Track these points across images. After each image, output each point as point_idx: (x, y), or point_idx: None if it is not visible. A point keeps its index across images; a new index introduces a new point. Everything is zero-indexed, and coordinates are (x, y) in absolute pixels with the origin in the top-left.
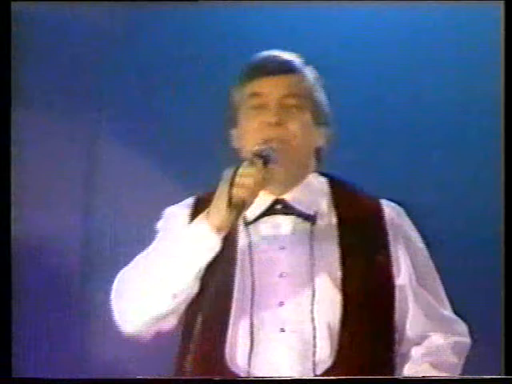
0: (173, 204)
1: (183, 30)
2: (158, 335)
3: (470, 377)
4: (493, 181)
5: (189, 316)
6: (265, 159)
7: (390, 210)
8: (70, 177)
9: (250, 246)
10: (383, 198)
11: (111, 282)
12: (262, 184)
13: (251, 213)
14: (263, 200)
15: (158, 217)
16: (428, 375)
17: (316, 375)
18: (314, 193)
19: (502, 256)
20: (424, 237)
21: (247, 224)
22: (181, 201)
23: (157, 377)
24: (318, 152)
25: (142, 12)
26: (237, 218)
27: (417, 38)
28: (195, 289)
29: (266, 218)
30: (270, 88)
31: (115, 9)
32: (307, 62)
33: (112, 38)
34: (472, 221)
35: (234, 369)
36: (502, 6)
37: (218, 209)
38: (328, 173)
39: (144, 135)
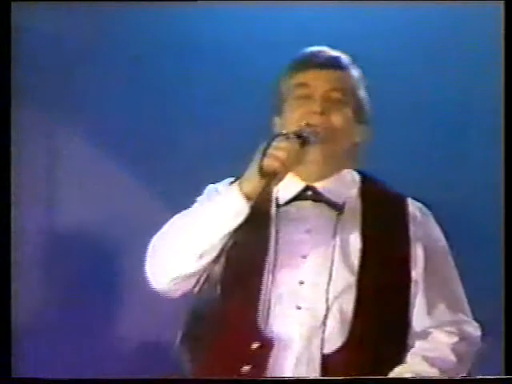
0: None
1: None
2: (184, 295)
3: (469, 377)
4: (493, 180)
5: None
6: (304, 139)
7: (415, 208)
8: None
9: (277, 226)
10: None
11: (111, 279)
12: (294, 161)
13: (283, 197)
14: (295, 185)
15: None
16: (418, 368)
17: (323, 354)
18: (344, 185)
19: (502, 256)
20: None
21: (278, 206)
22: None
23: (157, 377)
24: (355, 149)
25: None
26: (266, 187)
27: (417, 37)
28: (217, 252)
29: (296, 203)
30: (317, 80)
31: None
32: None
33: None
34: (472, 220)
35: (267, 332)
36: (501, 6)
37: (250, 177)
38: (362, 170)
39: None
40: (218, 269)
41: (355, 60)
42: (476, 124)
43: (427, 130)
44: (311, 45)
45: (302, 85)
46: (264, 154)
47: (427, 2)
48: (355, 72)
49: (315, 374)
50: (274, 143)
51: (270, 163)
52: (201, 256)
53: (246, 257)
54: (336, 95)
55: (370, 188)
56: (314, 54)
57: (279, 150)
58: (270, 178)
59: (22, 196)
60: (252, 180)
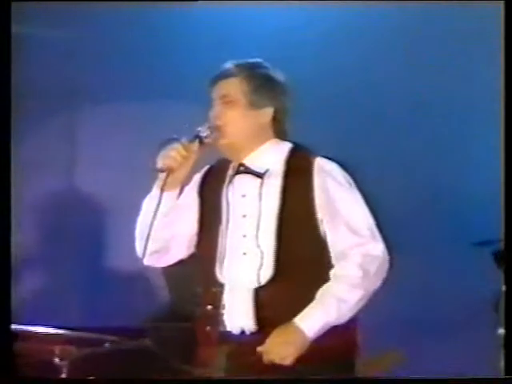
0: None
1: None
2: (168, 264)
3: (470, 377)
4: (492, 179)
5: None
6: (200, 139)
7: (323, 162)
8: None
9: (226, 195)
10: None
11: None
12: (186, 156)
13: (228, 176)
14: (233, 166)
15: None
16: (344, 274)
17: (258, 283)
18: (268, 155)
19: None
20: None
21: (227, 184)
22: None
23: (157, 377)
24: (274, 124)
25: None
26: (167, 180)
27: (417, 37)
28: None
29: (236, 177)
30: (215, 92)
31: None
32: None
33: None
34: (473, 216)
35: (221, 279)
36: (501, 6)
37: (159, 175)
38: (294, 141)
39: None
40: (191, 230)
41: (357, 59)
42: (476, 123)
43: (428, 128)
44: (312, 41)
45: (212, 99)
46: (162, 156)
47: (428, 1)
48: (242, 76)
49: (250, 301)
50: (168, 146)
51: (165, 161)
52: (148, 236)
53: (210, 218)
54: (227, 99)
55: (294, 154)
56: (215, 74)
57: (170, 151)
58: (168, 172)
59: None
60: (160, 178)
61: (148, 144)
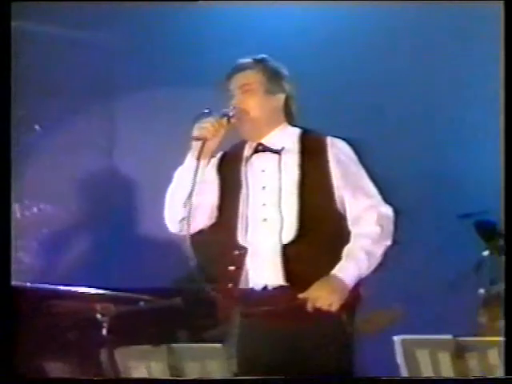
0: None
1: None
2: (194, 231)
3: (470, 377)
4: (492, 179)
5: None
6: (228, 117)
7: (334, 140)
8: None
9: (246, 171)
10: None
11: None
12: (218, 129)
13: (246, 155)
14: (251, 145)
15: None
16: (364, 232)
17: (282, 243)
18: (282, 135)
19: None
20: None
21: (245, 162)
22: None
23: (156, 377)
24: (285, 109)
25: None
26: (203, 149)
27: (417, 37)
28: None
29: (254, 156)
30: (233, 83)
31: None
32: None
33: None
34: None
35: (242, 242)
36: (501, 5)
37: (194, 145)
38: (303, 126)
39: None
40: (212, 201)
41: (358, 58)
42: (475, 122)
43: (427, 126)
44: (316, 41)
45: (228, 90)
46: (197, 128)
47: (428, 2)
48: (258, 68)
49: (278, 261)
50: (203, 119)
51: (200, 132)
52: (185, 204)
53: (230, 192)
54: (247, 87)
55: (305, 135)
56: (232, 68)
57: (205, 123)
58: (202, 141)
59: None
60: (195, 146)
61: (172, 128)
